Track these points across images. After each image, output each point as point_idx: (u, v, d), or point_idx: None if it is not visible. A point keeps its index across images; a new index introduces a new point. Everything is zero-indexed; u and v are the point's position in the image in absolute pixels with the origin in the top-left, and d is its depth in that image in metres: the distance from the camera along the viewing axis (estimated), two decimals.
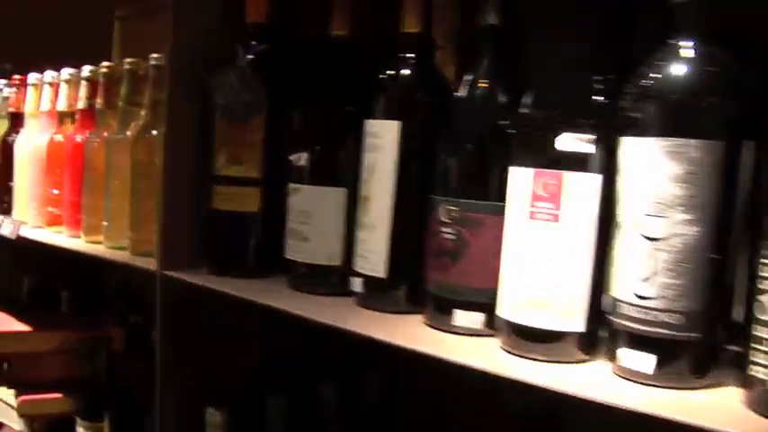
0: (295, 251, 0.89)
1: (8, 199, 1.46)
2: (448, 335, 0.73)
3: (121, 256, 1.10)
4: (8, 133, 1.49)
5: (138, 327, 1.57)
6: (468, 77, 0.75)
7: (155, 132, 1.09)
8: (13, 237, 1.31)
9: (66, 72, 1.31)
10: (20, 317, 1.56)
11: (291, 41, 0.97)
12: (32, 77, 1.41)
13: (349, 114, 0.86)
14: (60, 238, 1.27)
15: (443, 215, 0.73)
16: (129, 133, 1.15)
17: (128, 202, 1.12)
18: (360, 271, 0.82)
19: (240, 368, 1.07)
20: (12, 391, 1.46)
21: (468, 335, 0.72)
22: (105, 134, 1.20)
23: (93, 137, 1.22)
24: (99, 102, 1.21)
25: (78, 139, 1.26)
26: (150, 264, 1.01)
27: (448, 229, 0.73)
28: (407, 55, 0.81)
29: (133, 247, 1.10)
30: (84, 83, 1.25)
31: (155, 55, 1.08)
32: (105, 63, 1.21)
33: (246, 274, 0.96)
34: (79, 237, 1.24)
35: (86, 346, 1.45)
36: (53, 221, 1.32)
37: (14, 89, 1.49)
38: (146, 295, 1.62)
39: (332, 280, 0.88)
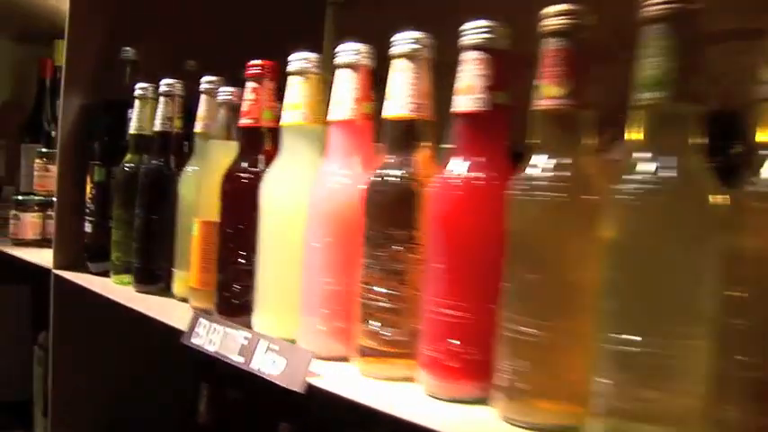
0: None
1: (242, 288, 0.77)
2: None
3: None
4: (237, 166, 0.81)
5: None
6: None
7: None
8: (298, 388, 0.62)
9: (411, 39, 0.61)
10: None
11: None
12: (298, 61, 0.73)
13: None
14: (418, 403, 0.57)
15: None
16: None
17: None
18: None
19: None
20: None
21: None
22: (569, 169, 0.50)
23: (528, 177, 0.51)
24: (549, 93, 0.51)
25: (476, 178, 0.56)
26: None
27: None
28: None
29: None
30: (472, 56, 0.56)
31: None
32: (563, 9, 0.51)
33: None
34: (463, 399, 0.54)
35: None
36: (378, 354, 0.62)
37: (252, 84, 0.80)
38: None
39: None
